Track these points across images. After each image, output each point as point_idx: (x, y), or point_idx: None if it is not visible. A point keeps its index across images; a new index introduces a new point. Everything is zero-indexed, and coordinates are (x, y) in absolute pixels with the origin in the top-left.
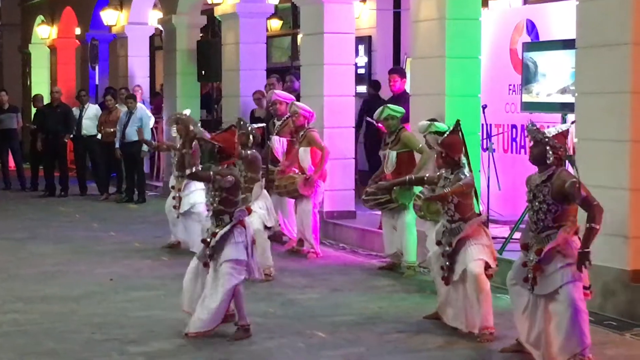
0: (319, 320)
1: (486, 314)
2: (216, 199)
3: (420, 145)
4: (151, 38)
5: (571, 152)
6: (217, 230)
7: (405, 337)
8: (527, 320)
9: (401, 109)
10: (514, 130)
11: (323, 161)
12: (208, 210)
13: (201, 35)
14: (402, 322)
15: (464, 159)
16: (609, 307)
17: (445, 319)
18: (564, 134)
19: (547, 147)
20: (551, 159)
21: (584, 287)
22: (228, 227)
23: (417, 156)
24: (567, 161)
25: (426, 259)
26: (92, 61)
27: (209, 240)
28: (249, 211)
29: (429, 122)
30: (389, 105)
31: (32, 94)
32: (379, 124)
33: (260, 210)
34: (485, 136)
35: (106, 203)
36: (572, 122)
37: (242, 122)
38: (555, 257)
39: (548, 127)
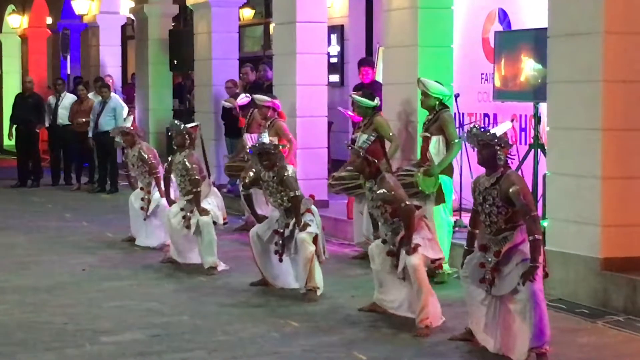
0: (292, 309)
1: (423, 306)
2: (284, 198)
3: (392, 133)
4: (123, 27)
5: (543, 140)
6: (289, 221)
7: (378, 325)
8: (485, 309)
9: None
10: (487, 119)
11: (291, 153)
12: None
13: (173, 24)
14: (375, 311)
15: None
16: (581, 295)
17: (390, 309)
18: (506, 134)
19: (497, 148)
20: (502, 159)
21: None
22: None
23: (387, 144)
24: (539, 150)
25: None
26: (63, 50)
27: (281, 230)
28: (313, 198)
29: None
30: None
31: (3, 84)
32: (352, 114)
33: (209, 205)
34: (457, 125)
35: (78, 193)
36: (512, 120)
37: (174, 124)
38: (514, 255)
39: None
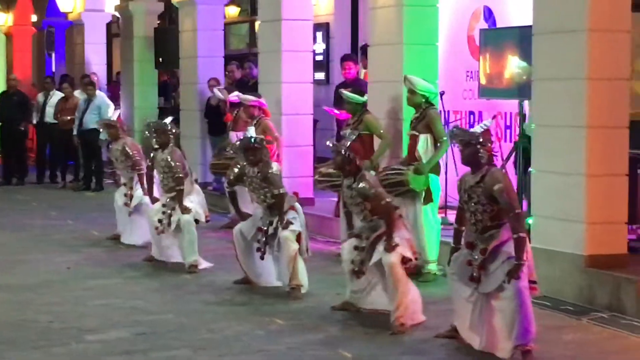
0: (277, 307)
1: (399, 305)
2: (267, 195)
3: (382, 130)
4: (108, 25)
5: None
6: (273, 218)
7: (364, 324)
8: (471, 307)
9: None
10: (472, 116)
11: (278, 151)
12: (260, 204)
13: (158, 22)
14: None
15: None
16: (566, 292)
17: (365, 306)
18: (488, 131)
19: (478, 146)
20: (484, 157)
21: (531, 282)
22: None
23: (377, 141)
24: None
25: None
26: (48, 48)
27: (265, 228)
28: (297, 195)
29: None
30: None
31: None
32: (338, 112)
33: (191, 204)
34: (443, 123)
35: (63, 191)
36: (493, 117)
37: (150, 124)
38: (500, 253)
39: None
